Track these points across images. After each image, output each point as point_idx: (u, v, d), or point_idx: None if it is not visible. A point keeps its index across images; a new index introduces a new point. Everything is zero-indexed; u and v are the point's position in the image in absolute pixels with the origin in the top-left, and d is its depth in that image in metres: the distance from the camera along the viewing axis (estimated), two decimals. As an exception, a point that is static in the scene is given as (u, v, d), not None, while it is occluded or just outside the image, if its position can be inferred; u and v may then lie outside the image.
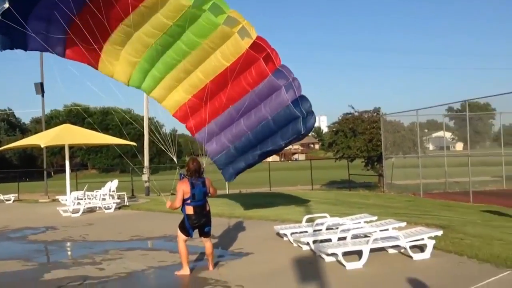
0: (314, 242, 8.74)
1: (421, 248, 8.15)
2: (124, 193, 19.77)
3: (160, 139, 10.09)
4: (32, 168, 58.96)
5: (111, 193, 18.31)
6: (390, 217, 11.28)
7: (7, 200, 22.79)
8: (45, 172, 31.12)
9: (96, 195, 18.19)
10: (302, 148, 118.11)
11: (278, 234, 10.19)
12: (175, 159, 10.31)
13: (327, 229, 9.57)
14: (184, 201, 7.38)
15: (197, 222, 7.45)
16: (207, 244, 7.74)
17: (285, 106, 10.82)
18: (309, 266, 7.79)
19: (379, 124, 26.18)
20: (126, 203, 18.82)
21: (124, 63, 10.82)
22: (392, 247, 8.27)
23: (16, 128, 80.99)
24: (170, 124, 38.01)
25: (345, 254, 7.65)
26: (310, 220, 10.45)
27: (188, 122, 12.04)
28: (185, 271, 7.55)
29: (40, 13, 9.56)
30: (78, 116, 69.34)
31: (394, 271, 7.30)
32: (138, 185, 26.71)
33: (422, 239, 8.09)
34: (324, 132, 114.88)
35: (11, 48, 10.13)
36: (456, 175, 23.05)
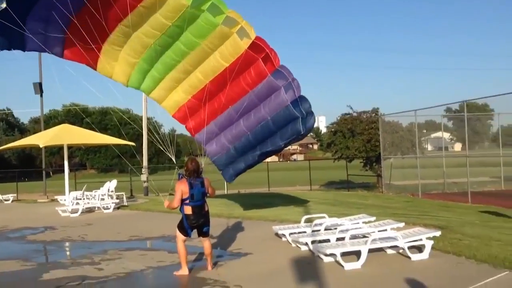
0: (313, 242, 8.75)
1: (419, 249, 8.16)
2: (123, 193, 19.78)
3: (158, 139, 10.10)
4: (30, 168, 58.96)
5: (110, 193, 18.32)
6: (388, 217, 11.30)
7: (5, 200, 22.78)
8: (43, 172, 31.15)
9: (95, 195, 18.19)
10: (300, 149, 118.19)
11: (276, 234, 10.20)
12: (173, 159, 10.32)
13: (325, 229, 9.58)
14: (182, 201, 7.39)
15: (195, 222, 7.46)
16: (205, 244, 7.75)
17: (285, 106, 10.83)
18: (307, 266, 7.80)
19: (377, 124, 26.22)
20: (125, 203, 18.82)
21: (123, 63, 10.82)
22: (391, 247, 8.28)
23: (15, 128, 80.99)
24: (169, 124, 38.09)
25: (343, 254, 7.66)
26: (309, 221, 10.47)
27: (187, 123, 12.05)
28: (184, 271, 7.56)
29: (38, 14, 9.56)
30: (77, 116, 69.36)
31: (392, 271, 7.32)
32: (137, 185, 26.72)
33: (421, 239, 8.10)
34: (322, 132, 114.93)
35: (9, 49, 10.12)
36: (454, 175, 23.07)
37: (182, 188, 7.34)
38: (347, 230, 8.89)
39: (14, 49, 10.21)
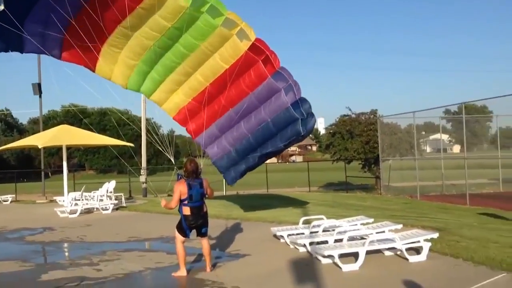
0: (311, 244, 8.77)
1: (417, 251, 8.19)
2: (122, 194, 19.76)
3: (157, 140, 10.12)
4: (29, 168, 58.88)
5: (109, 194, 18.32)
6: (386, 219, 11.31)
7: (4, 201, 22.77)
8: (42, 173, 31.14)
9: (93, 196, 18.20)
10: (299, 150, 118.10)
11: (275, 235, 10.22)
12: (172, 160, 10.34)
13: (323, 231, 9.60)
14: (181, 202, 7.42)
15: (194, 223, 7.48)
16: (204, 244, 7.76)
17: (285, 108, 10.83)
18: (305, 268, 7.82)
19: (376, 126, 26.27)
20: (124, 204, 18.82)
21: (122, 66, 10.82)
22: (388, 249, 8.31)
23: (14, 128, 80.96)
24: (168, 125, 38.07)
25: (341, 256, 7.69)
26: (307, 222, 10.48)
27: (188, 126, 12.05)
28: (182, 272, 7.58)
29: (37, 16, 9.55)
30: (75, 116, 69.27)
31: (390, 273, 7.34)
32: (135, 186, 26.70)
33: (418, 241, 8.13)
34: (321, 134, 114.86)
35: (6, 51, 10.12)
36: (453, 177, 23.10)
37: (181, 189, 7.36)
38: (345, 232, 8.92)
39: (12, 51, 10.22)
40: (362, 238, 8.86)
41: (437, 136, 30.53)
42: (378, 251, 8.31)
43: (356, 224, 10.18)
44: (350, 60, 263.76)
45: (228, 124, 11.69)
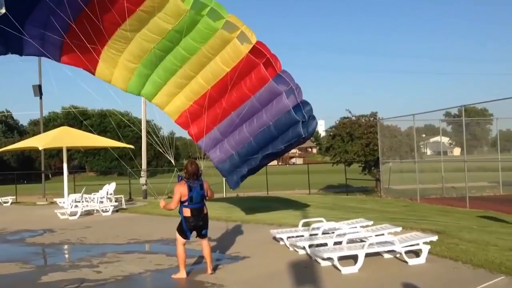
0: (310, 246, 8.79)
1: (417, 253, 8.20)
2: (122, 196, 19.80)
3: (158, 141, 10.14)
4: (30, 170, 58.92)
5: (109, 196, 18.35)
6: (386, 222, 11.32)
7: (5, 203, 22.81)
8: (43, 175, 31.20)
9: (93, 198, 18.22)
10: (299, 152, 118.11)
11: (274, 238, 10.24)
12: (173, 162, 10.35)
13: (323, 233, 9.62)
14: (182, 204, 7.45)
15: (194, 225, 7.51)
16: (204, 245, 7.78)
17: (286, 111, 10.83)
18: (305, 270, 7.84)
19: (376, 128, 26.29)
20: (124, 206, 18.84)
21: (122, 69, 10.82)
22: (388, 252, 8.32)
23: (14, 130, 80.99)
24: (168, 127, 38.09)
25: (340, 258, 7.70)
26: (307, 225, 10.49)
27: (189, 129, 12.03)
28: (182, 274, 7.60)
29: (37, 18, 9.56)
30: (76, 118, 69.33)
31: (389, 275, 7.35)
32: (135, 188, 26.72)
33: (418, 244, 8.14)
34: (321, 136, 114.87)
35: (6, 54, 10.14)
36: (453, 180, 23.12)
37: (181, 190, 7.39)
38: (344, 234, 8.93)
39: (12, 54, 10.23)
40: (361, 240, 8.87)
41: (437, 138, 30.57)
42: (378, 253, 8.31)
43: (356, 227, 10.19)
44: (350, 62, 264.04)
45: (230, 128, 11.68)
